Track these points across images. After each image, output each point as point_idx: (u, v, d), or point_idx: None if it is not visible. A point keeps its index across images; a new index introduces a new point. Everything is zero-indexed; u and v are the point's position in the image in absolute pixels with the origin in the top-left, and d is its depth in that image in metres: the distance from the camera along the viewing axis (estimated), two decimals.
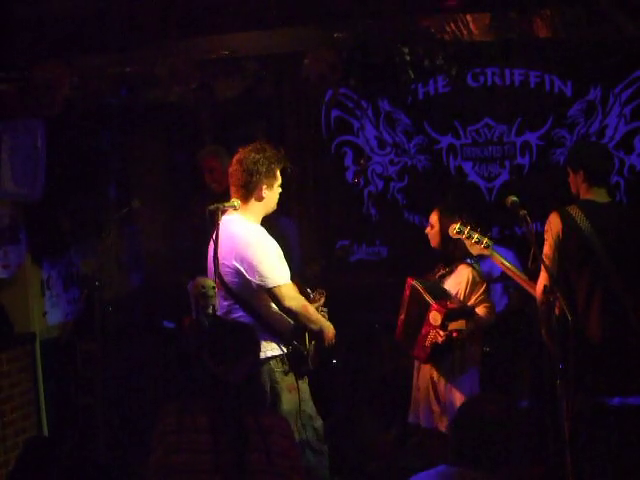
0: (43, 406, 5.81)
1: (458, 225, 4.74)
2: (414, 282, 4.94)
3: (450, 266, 5.00)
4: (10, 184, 5.31)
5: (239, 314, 4.41)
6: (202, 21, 4.86)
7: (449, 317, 4.74)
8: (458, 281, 4.95)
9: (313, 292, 4.68)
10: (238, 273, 4.35)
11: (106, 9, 4.89)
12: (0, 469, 5.35)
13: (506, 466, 2.74)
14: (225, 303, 4.43)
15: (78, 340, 5.77)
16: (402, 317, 4.98)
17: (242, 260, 4.34)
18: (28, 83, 5.11)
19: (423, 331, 4.80)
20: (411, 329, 4.92)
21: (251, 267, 4.32)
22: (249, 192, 4.43)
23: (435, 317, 4.75)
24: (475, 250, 4.75)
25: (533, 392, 5.77)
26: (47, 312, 5.90)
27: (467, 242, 4.74)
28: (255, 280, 4.32)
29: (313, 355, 4.51)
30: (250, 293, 4.38)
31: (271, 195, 4.48)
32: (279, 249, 4.51)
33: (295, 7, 4.74)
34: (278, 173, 4.49)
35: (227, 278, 4.38)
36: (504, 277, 5.82)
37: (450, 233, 4.76)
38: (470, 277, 4.94)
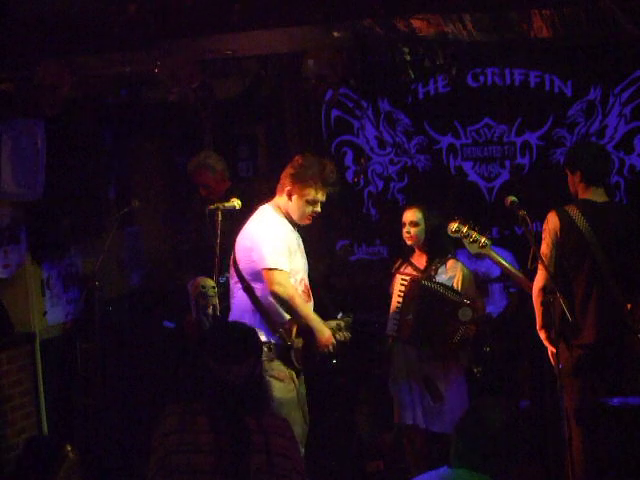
0: (43, 406, 5.81)
1: (456, 224, 4.76)
2: (424, 282, 4.96)
3: (434, 263, 5.01)
4: (10, 184, 5.30)
5: (239, 293, 4.61)
6: (202, 21, 4.85)
7: (477, 312, 4.88)
8: (450, 276, 5.01)
9: (343, 315, 4.82)
10: (247, 252, 4.56)
11: (106, 9, 4.87)
12: (0, 469, 5.35)
13: (508, 470, 2.76)
14: (231, 282, 4.68)
15: (78, 340, 5.77)
16: (410, 317, 4.95)
17: (252, 239, 4.56)
18: (28, 83, 5.10)
19: (450, 328, 4.85)
20: (426, 328, 4.92)
21: (256, 246, 4.52)
22: (281, 186, 4.66)
23: (465, 313, 4.83)
24: (473, 249, 4.78)
25: (533, 392, 5.77)
26: (47, 312, 5.90)
27: (465, 241, 4.76)
28: (254, 259, 4.52)
29: (298, 351, 4.52)
30: (253, 273, 4.55)
31: (295, 203, 4.61)
32: (294, 244, 4.62)
33: (295, 7, 4.73)
34: (313, 192, 4.58)
35: (238, 255, 4.61)
36: (503, 277, 5.85)
37: (448, 232, 4.79)
38: (465, 272, 5.06)
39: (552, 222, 4.50)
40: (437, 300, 4.91)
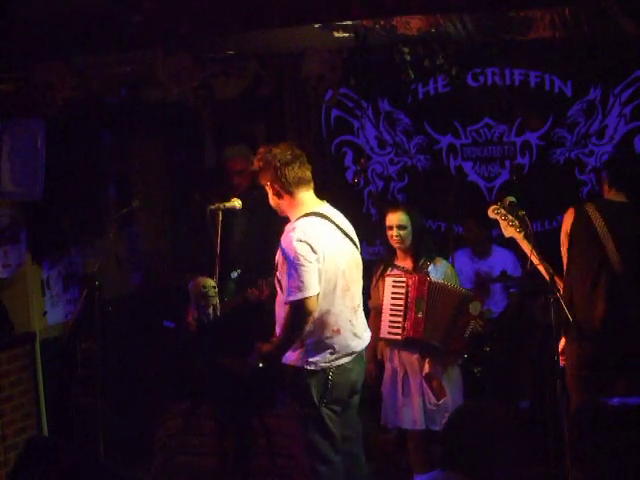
0: (43, 406, 5.81)
1: (498, 206, 4.70)
2: (431, 279, 4.98)
3: (423, 262, 5.03)
4: (10, 184, 5.31)
5: None
6: (202, 21, 4.86)
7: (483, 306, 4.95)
8: (441, 273, 5.04)
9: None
10: None
11: (106, 9, 4.88)
12: (0, 469, 5.35)
13: (497, 472, 2.76)
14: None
15: (78, 340, 5.77)
16: (421, 315, 4.93)
17: None
18: (28, 83, 5.11)
19: (460, 323, 4.90)
20: (439, 324, 4.94)
21: None
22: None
23: (476, 307, 4.89)
24: (508, 232, 4.73)
25: (533, 392, 5.77)
26: (47, 312, 5.90)
27: (502, 223, 4.71)
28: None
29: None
30: None
31: None
32: None
33: (295, 7, 4.73)
34: None
35: None
36: (504, 277, 5.84)
37: (489, 214, 4.75)
38: (452, 270, 5.13)
39: (566, 219, 4.58)
40: (448, 296, 4.95)
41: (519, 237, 4.69)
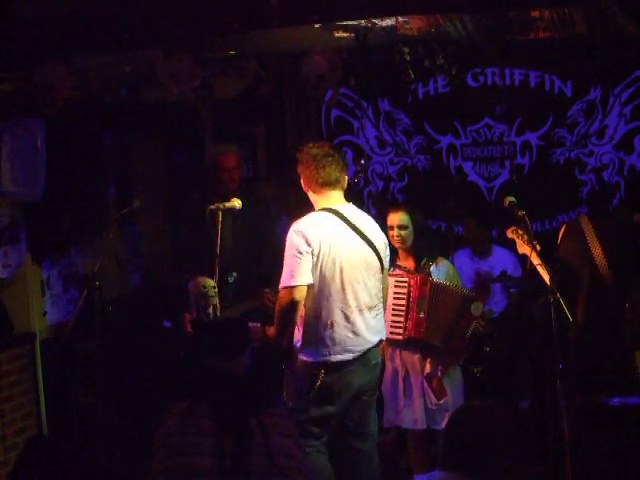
0: (43, 406, 5.81)
1: (516, 227, 4.78)
2: (433, 279, 4.98)
3: (425, 262, 5.03)
4: (10, 184, 5.30)
5: None
6: (202, 21, 4.86)
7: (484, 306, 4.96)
8: (443, 273, 5.05)
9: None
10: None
11: (106, 9, 4.88)
12: (0, 469, 5.34)
13: (496, 472, 2.75)
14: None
15: (78, 340, 5.77)
16: (423, 315, 4.94)
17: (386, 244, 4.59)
18: (28, 83, 5.11)
19: (462, 323, 4.91)
20: (441, 324, 4.94)
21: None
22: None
23: (477, 307, 4.91)
24: (522, 250, 4.81)
25: (533, 392, 5.77)
26: (47, 312, 5.90)
27: (518, 242, 4.79)
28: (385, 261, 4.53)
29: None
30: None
31: None
32: None
33: (295, 7, 4.73)
34: None
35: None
36: (504, 277, 5.85)
37: (507, 234, 4.82)
38: (454, 270, 5.15)
39: (560, 233, 4.63)
40: (450, 296, 4.96)
41: (533, 254, 4.70)
